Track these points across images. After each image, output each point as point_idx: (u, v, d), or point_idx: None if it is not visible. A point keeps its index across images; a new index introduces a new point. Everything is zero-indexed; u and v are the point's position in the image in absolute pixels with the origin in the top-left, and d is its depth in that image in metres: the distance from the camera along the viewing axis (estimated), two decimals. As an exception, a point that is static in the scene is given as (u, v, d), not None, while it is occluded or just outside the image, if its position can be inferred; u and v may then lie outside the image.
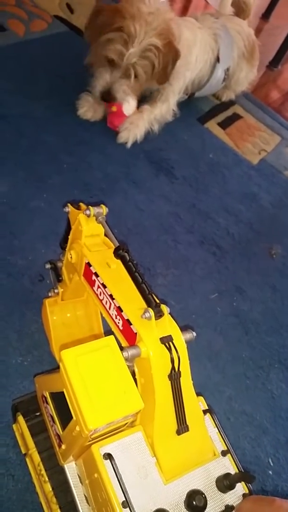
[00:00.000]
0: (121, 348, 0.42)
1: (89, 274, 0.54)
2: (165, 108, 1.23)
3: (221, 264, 1.02)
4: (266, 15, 2.05)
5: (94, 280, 0.52)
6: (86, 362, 0.40)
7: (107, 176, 1.08)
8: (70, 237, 0.60)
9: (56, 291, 0.68)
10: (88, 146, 1.13)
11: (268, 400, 0.83)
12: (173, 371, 0.43)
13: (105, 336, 0.74)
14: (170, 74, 1.12)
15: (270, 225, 1.17)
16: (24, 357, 0.74)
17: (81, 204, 0.59)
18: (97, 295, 0.52)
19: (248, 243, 1.09)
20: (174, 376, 0.43)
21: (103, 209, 0.56)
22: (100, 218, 0.56)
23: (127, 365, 0.42)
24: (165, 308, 0.44)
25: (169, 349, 0.43)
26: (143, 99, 1.22)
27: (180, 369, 0.43)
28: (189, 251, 1.01)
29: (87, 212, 0.55)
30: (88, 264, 0.54)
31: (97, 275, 0.51)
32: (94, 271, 0.52)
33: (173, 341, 0.43)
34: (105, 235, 0.57)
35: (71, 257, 0.58)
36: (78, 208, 0.59)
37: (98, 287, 0.52)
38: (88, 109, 1.17)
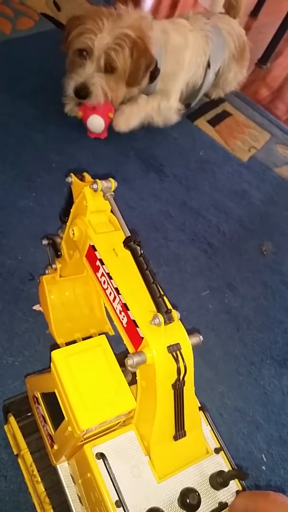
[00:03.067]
0: (127, 355, 0.40)
1: (93, 258, 0.49)
2: (165, 102, 1.19)
3: (212, 261, 1.02)
4: (254, 12, 2.05)
5: (99, 266, 0.48)
6: (77, 362, 0.39)
7: (96, 175, 1.06)
8: (72, 211, 0.55)
9: (54, 266, 0.64)
10: (77, 144, 1.12)
11: (261, 396, 0.84)
12: (177, 382, 0.41)
13: (108, 319, 0.70)
14: (142, 79, 1.08)
15: (261, 222, 1.17)
16: (15, 357, 0.73)
17: (85, 174, 0.54)
18: (100, 282, 0.49)
19: (239, 240, 1.09)
20: (178, 386, 0.41)
21: (112, 184, 0.50)
22: (108, 195, 0.50)
23: (130, 370, 0.40)
24: (175, 314, 0.41)
25: (176, 359, 0.41)
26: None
27: (185, 379, 0.42)
28: (180, 249, 1.01)
29: (94, 186, 0.49)
30: (93, 248, 0.49)
31: (102, 263, 0.48)
32: (99, 257, 0.48)
33: (181, 350, 0.41)
34: (112, 213, 0.52)
35: (73, 234, 0.52)
36: (82, 179, 0.54)
37: (102, 275, 0.48)
38: (75, 105, 1.16)
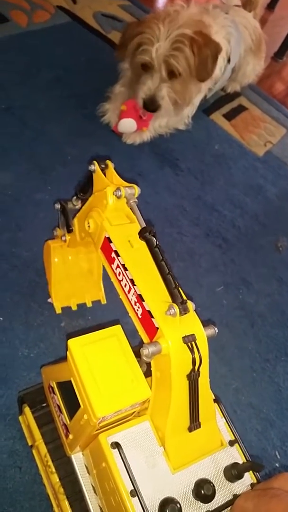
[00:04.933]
0: (141, 344, 0.40)
1: (109, 250, 0.50)
2: (176, 119, 1.19)
3: (227, 256, 1.01)
4: (271, 5, 2.02)
5: (114, 258, 0.49)
6: (93, 351, 0.39)
7: (112, 169, 1.07)
8: (89, 201, 0.55)
9: (63, 238, 0.65)
10: (92, 137, 1.12)
11: (275, 393, 0.83)
12: (192, 372, 0.41)
13: (103, 285, 0.76)
14: (212, 70, 1.06)
15: (276, 217, 1.15)
16: (30, 350, 0.74)
17: (108, 162, 0.54)
18: (115, 274, 0.49)
19: (254, 236, 1.08)
20: (193, 377, 0.41)
21: (136, 190, 0.50)
22: (132, 202, 0.50)
23: (145, 360, 0.40)
24: (191, 305, 0.41)
25: (191, 350, 0.41)
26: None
27: (199, 370, 0.42)
28: (195, 244, 1.01)
29: (118, 193, 0.49)
30: (108, 240, 0.49)
31: (117, 254, 0.48)
32: (114, 249, 0.48)
33: (196, 341, 0.41)
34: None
35: (88, 226, 0.53)
36: (105, 168, 0.54)
37: (118, 266, 0.48)
38: (116, 116, 1.14)
